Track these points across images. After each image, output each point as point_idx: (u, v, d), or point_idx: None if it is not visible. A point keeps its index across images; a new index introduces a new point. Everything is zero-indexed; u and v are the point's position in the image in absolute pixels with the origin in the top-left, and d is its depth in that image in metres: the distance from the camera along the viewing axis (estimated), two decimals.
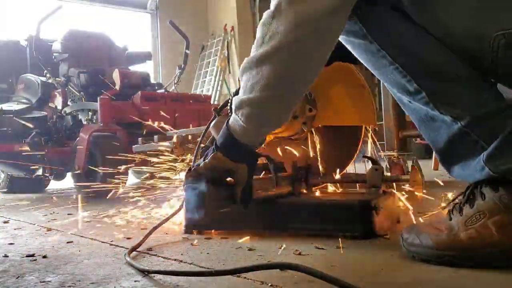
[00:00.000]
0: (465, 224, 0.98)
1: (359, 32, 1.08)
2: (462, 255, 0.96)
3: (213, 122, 1.38)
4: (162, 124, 2.73)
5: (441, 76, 1.01)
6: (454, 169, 1.07)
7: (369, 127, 1.74)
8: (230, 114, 1.53)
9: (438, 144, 1.07)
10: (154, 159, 2.37)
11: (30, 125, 3.61)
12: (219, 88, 7.91)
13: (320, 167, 1.67)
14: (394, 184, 1.63)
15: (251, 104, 1.08)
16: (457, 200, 1.05)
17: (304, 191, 1.62)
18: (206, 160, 1.18)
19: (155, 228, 1.45)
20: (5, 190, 4.12)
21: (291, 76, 1.06)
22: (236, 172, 1.16)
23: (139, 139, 3.20)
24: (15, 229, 1.81)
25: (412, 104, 1.08)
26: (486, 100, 0.99)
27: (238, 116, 1.11)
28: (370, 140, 1.77)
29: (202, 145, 1.44)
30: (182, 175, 2.02)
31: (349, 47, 1.15)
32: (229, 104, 1.55)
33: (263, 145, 1.27)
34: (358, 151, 1.75)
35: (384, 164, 2.74)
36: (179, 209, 1.53)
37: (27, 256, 1.27)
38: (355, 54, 1.14)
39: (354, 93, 1.64)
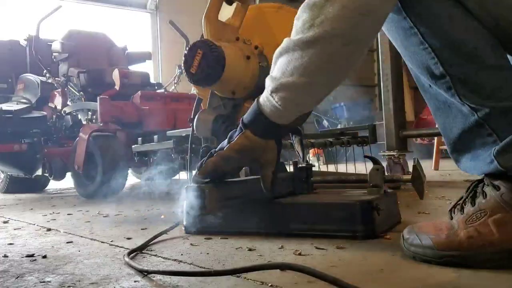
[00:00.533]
0: (466, 223, 0.98)
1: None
2: (462, 255, 0.96)
3: (196, 117, 1.36)
4: None
5: (472, 63, 0.98)
6: (462, 159, 1.05)
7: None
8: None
9: (451, 132, 1.05)
10: None
11: None
12: None
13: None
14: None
15: (292, 88, 1.04)
16: (460, 201, 1.05)
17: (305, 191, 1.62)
18: (232, 141, 1.14)
19: (156, 236, 1.40)
20: (5, 190, 4.12)
21: (341, 63, 1.02)
22: (265, 151, 1.12)
23: (139, 139, 3.20)
24: (15, 229, 1.81)
25: (432, 89, 1.05)
26: (510, 94, 0.97)
27: (274, 99, 1.06)
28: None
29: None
30: (183, 174, 2.02)
31: None
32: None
33: None
34: None
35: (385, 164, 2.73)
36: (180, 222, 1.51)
37: (27, 256, 1.26)
38: (383, 29, 1.10)
39: None
